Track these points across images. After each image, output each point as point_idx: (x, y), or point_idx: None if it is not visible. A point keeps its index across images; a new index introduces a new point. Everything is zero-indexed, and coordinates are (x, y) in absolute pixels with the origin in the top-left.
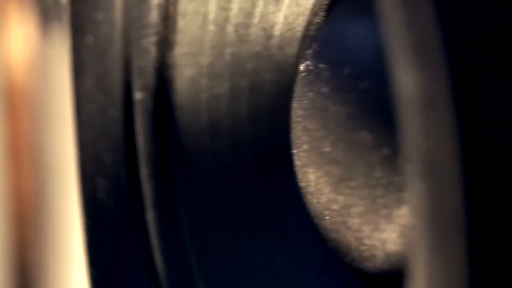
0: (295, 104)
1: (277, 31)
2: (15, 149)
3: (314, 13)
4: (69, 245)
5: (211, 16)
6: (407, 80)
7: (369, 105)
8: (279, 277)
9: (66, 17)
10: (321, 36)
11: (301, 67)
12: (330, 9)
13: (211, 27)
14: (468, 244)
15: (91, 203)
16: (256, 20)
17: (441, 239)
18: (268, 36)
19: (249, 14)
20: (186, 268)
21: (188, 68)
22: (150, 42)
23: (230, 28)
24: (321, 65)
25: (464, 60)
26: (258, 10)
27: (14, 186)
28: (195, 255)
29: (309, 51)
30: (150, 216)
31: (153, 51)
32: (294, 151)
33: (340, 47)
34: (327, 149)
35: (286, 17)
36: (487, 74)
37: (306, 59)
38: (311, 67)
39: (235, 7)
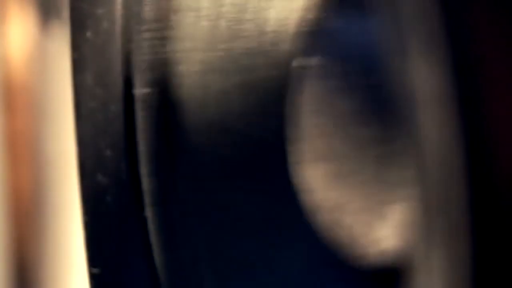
0: (289, 101)
1: (270, 27)
2: (14, 145)
3: (307, 8)
4: (69, 242)
5: (204, 12)
6: (412, 75)
7: (365, 101)
8: (279, 274)
9: (66, 12)
10: (315, 32)
11: (295, 63)
12: (324, 5)
13: (205, 23)
14: (473, 239)
15: (91, 200)
16: (249, 15)
17: (445, 234)
18: (262, 32)
19: (242, 9)
20: (186, 265)
21: (187, 64)
22: (150, 38)
23: (223, 24)
24: (315, 61)
25: (471, 54)
26: (251, 6)
27: (13, 182)
28: (194, 252)
29: (303, 47)
30: (150, 213)
31: (153, 46)
32: (291, 147)
33: (334, 43)
34: (325, 145)
35: (279, 13)
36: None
37: (300, 55)
38: (304, 63)
39: (227, 2)
